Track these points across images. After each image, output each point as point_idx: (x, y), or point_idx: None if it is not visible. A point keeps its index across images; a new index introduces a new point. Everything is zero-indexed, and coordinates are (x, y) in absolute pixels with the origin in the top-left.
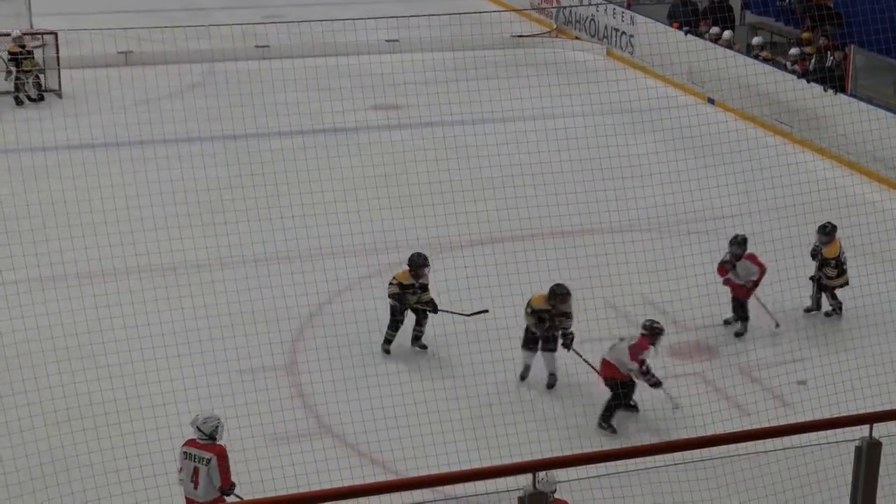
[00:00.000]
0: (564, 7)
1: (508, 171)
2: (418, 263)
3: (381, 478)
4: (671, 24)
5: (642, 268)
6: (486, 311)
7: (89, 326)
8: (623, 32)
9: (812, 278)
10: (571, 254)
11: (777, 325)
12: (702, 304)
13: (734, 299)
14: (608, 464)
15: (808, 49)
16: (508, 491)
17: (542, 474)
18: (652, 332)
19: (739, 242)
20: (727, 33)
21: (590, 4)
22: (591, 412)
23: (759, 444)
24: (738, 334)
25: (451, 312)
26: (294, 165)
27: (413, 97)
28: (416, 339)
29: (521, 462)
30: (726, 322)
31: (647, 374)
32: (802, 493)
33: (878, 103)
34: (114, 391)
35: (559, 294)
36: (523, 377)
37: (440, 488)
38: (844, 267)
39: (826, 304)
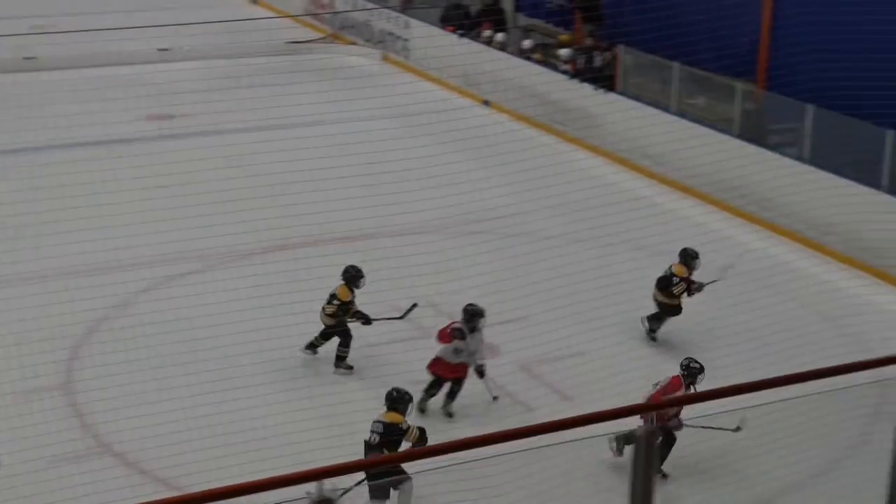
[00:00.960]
0: (339, 12)
1: (289, 178)
2: (356, 276)
3: (165, 495)
4: (445, 28)
5: (424, 269)
6: (416, 304)
7: None
8: (398, 37)
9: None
10: (356, 258)
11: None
12: (483, 302)
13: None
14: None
15: (562, 52)
16: (296, 500)
17: (327, 481)
18: (690, 372)
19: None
20: (500, 35)
21: (364, 9)
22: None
23: (542, 439)
24: None
25: (385, 319)
26: (69, 179)
27: (188, 106)
28: (341, 359)
29: (306, 471)
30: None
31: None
32: (586, 483)
33: (646, 100)
34: None
35: None
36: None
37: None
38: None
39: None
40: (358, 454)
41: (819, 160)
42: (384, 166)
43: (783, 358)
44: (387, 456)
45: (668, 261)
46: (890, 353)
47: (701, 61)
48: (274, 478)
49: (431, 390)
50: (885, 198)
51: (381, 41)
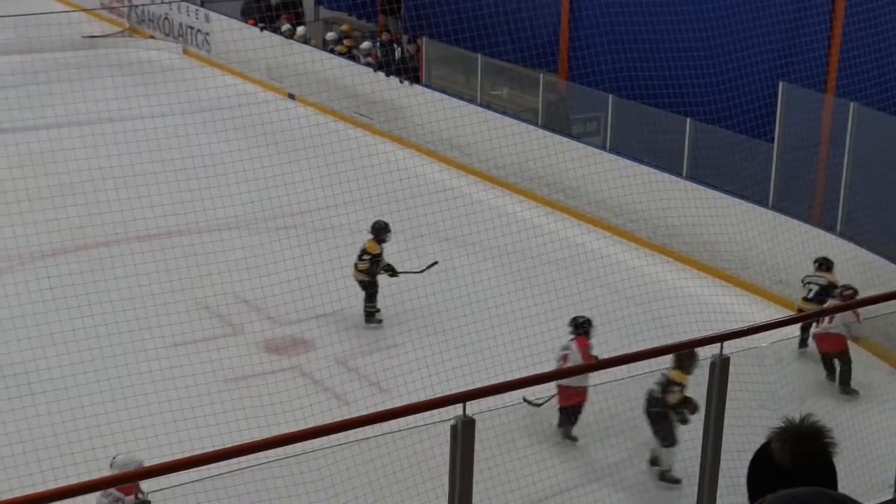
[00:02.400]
0: (136, 6)
1: (88, 176)
2: (383, 229)
3: None
4: (246, 21)
5: (233, 266)
6: (436, 262)
7: None
8: (198, 30)
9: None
10: (160, 256)
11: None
12: (295, 297)
13: None
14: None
15: (364, 45)
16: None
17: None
18: (582, 327)
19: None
20: (301, 29)
21: (162, 3)
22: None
23: (360, 432)
24: None
25: (407, 272)
26: None
27: None
28: (371, 314)
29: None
30: None
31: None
32: (405, 475)
33: (451, 92)
34: None
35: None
36: None
37: None
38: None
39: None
40: None
41: (621, 148)
42: (187, 162)
43: (599, 342)
44: None
45: (477, 250)
46: (694, 336)
47: (503, 53)
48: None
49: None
50: (687, 184)
51: (180, 35)
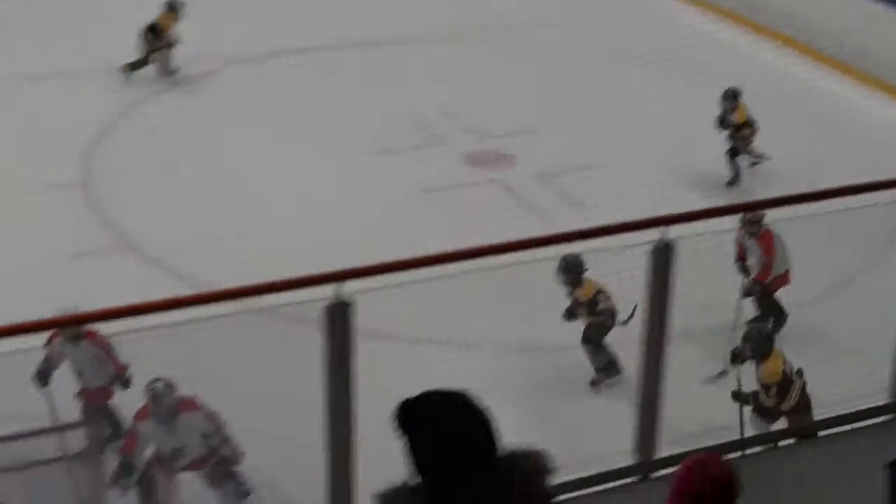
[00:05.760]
0: None
1: None
2: None
3: (187, 292)
4: None
5: (439, 76)
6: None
7: None
8: None
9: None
10: (367, 63)
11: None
12: (500, 111)
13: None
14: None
15: None
16: (314, 301)
17: None
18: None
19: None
20: None
21: None
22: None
23: (559, 249)
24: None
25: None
26: None
27: None
28: None
29: (329, 272)
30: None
31: None
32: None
33: None
34: None
35: None
36: None
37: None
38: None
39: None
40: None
41: None
42: None
43: None
44: None
45: (684, 83)
46: None
47: None
48: (294, 279)
49: None
50: None
51: None
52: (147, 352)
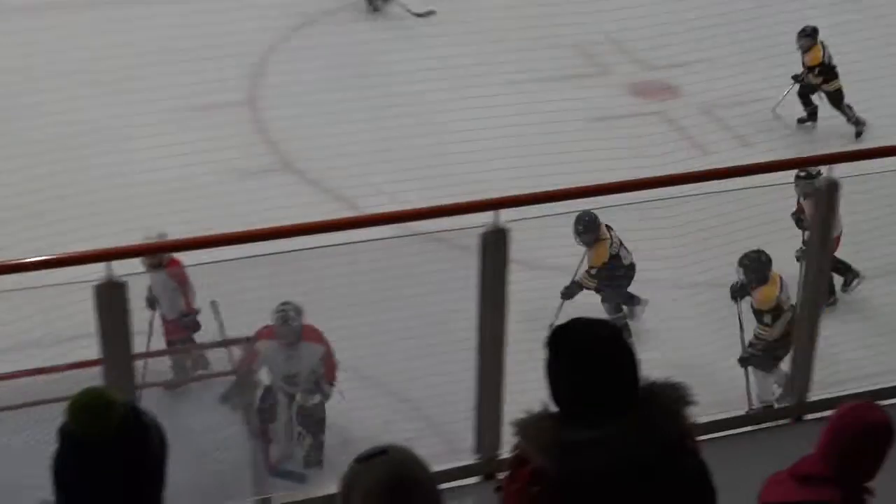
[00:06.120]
0: None
1: None
2: None
3: (345, 214)
4: None
5: (606, 4)
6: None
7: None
8: None
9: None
10: None
11: None
12: (667, 41)
13: None
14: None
15: None
16: (472, 227)
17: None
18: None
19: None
20: None
21: None
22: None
23: (718, 184)
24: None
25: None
26: None
27: None
28: None
29: (486, 199)
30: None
31: None
32: (758, 231)
33: None
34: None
35: None
36: None
37: (405, 224)
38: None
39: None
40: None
41: None
42: None
43: None
44: None
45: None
46: None
47: None
48: (453, 204)
49: None
50: None
51: None
52: (305, 272)
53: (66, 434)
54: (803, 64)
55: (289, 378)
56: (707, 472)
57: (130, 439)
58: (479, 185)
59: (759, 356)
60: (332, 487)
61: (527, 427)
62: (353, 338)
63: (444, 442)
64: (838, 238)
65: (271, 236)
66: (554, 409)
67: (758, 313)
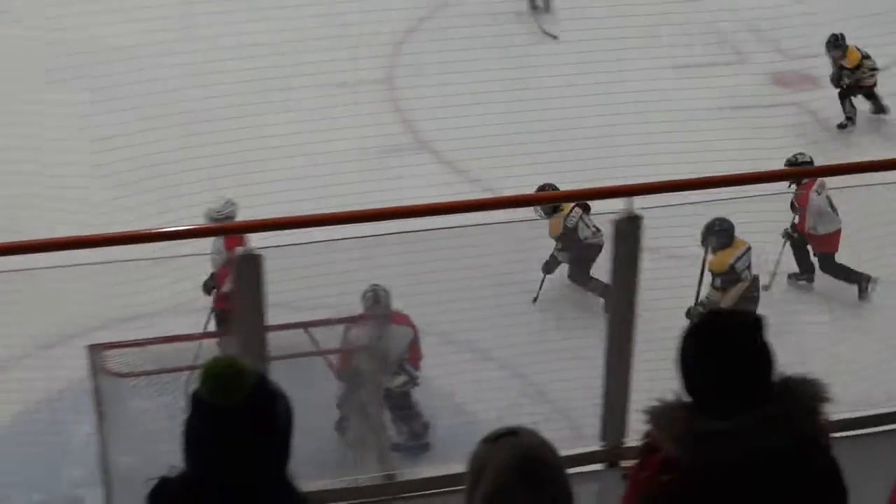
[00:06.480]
0: None
1: None
2: None
3: (477, 196)
4: None
5: None
6: None
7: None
8: None
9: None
10: None
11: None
12: (808, 31)
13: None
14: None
15: None
16: (606, 213)
17: None
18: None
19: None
20: None
21: None
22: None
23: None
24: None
25: None
26: None
27: None
28: None
29: (621, 185)
30: None
31: None
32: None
33: None
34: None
35: None
36: None
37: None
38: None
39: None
40: None
41: None
42: None
43: None
44: None
45: None
46: None
47: None
48: (585, 190)
49: None
50: None
51: None
52: (434, 252)
53: (197, 400)
54: (842, 68)
55: (379, 359)
56: (839, 471)
57: (259, 408)
58: (612, 171)
59: None
60: (454, 467)
61: (660, 416)
62: (479, 319)
63: (569, 427)
64: (838, 236)
65: (403, 215)
66: (686, 398)
67: (712, 275)
